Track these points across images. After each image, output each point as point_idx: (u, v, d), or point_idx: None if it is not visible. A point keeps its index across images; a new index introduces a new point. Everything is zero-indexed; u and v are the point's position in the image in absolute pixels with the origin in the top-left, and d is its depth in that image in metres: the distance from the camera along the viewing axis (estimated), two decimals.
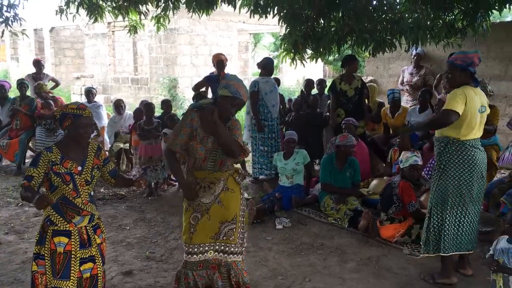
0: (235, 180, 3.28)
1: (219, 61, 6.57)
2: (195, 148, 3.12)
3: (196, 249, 3.17)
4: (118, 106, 7.28)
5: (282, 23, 6.68)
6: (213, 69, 8.07)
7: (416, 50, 7.64)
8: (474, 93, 3.52)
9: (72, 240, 2.84)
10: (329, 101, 7.11)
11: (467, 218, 3.63)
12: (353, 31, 6.23)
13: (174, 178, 6.78)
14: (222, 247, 3.20)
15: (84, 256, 2.88)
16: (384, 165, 6.40)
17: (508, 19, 15.31)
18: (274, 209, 5.37)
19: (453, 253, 3.67)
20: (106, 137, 7.67)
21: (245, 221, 3.36)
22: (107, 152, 7.42)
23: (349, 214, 5.01)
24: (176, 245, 4.60)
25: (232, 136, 3.14)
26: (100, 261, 2.97)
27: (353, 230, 4.88)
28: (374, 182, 5.79)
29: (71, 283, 2.81)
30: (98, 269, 2.94)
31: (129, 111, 7.63)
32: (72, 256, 2.84)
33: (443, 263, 3.73)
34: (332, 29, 6.52)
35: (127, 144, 7.17)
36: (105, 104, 10.85)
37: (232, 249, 3.21)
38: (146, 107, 6.25)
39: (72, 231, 2.85)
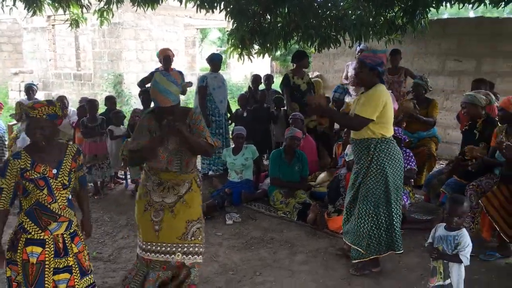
0: (196, 182, 3.24)
1: (166, 56, 6.47)
2: (158, 152, 3.05)
3: (163, 248, 3.09)
4: (61, 102, 7.00)
5: (229, 18, 6.68)
6: (159, 65, 7.95)
7: (360, 46, 7.85)
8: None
9: (47, 249, 2.65)
10: (276, 96, 7.19)
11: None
12: (299, 27, 6.33)
13: (121, 176, 6.65)
14: (191, 249, 3.12)
15: (59, 266, 2.67)
16: (329, 159, 6.56)
17: (445, 16, 16.02)
18: (224, 204, 5.38)
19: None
20: None
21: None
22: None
23: (298, 207, 5.09)
24: (124, 244, 4.52)
25: (202, 140, 3.08)
26: (78, 272, 2.73)
27: (301, 223, 4.96)
28: (322, 175, 5.91)
29: None
30: (76, 281, 2.71)
31: (72, 107, 7.37)
32: (46, 266, 2.64)
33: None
34: (279, 25, 6.60)
35: (70, 142, 6.92)
36: None
37: (198, 249, 3.16)
38: (89, 104, 6.06)
39: (47, 240, 2.66)
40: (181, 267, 3.16)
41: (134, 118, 6.13)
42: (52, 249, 2.67)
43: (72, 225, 2.75)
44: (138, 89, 6.75)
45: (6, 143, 7.42)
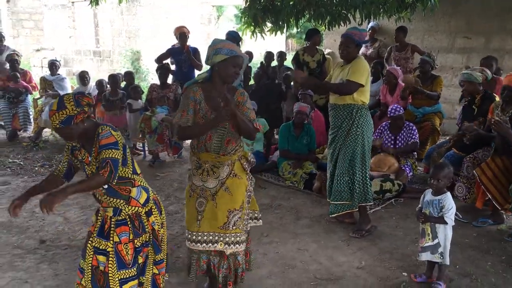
0: (242, 166, 3.07)
1: (182, 33, 6.75)
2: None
3: (204, 237, 2.99)
4: (83, 77, 7.38)
5: None
6: (176, 41, 8.23)
7: (371, 24, 8.01)
8: None
9: (98, 221, 2.70)
10: (286, 73, 7.43)
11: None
12: (310, 5, 6.52)
13: (139, 148, 7.03)
14: (233, 238, 3.00)
15: (99, 246, 2.63)
16: None
17: None
18: None
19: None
20: None
21: (252, 205, 3.24)
22: None
23: (305, 177, 5.42)
24: None
25: (250, 122, 2.92)
26: (115, 262, 2.60)
27: (308, 191, 5.30)
28: None
29: (86, 265, 2.66)
30: (110, 268, 2.59)
31: (92, 82, 7.74)
32: (90, 238, 2.68)
33: (362, 212, 4.23)
34: (290, 3, 6.78)
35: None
36: (67, 77, 10.82)
37: (240, 238, 3.03)
38: (111, 79, 6.43)
39: (100, 212, 2.71)
40: (226, 256, 3.07)
41: (152, 92, 6.48)
42: (99, 225, 2.69)
43: (122, 213, 2.64)
44: (155, 65, 7.06)
45: (32, 116, 7.85)
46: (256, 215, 3.32)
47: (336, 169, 4.18)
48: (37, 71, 14.70)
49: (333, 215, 4.32)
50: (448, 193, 3.26)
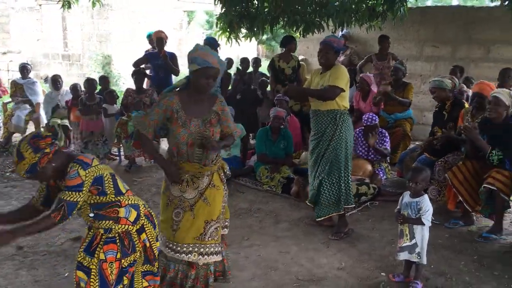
0: (219, 177, 3.10)
1: (159, 38, 6.75)
2: (177, 133, 2.90)
3: (179, 248, 2.97)
4: (56, 81, 7.26)
5: (217, 2, 6.97)
6: (149, 47, 8.22)
7: (342, 32, 8.20)
8: None
9: (89, 236, 2.64)
10: (262, 78, 7.53)
11: None
12: (285, 12, 6.66)
13: (114, 153, 6.97)
14: (207, 249, 2.99)
15: (82, 262, 2.57)
16: None
17: (428, 3, 16.43)
18: None
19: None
20: (42, 113, 7.64)
21: (225, 215, 3.24)
22: (42, 128, 7.48)
23: (282, 181, 5.51)
24: None
25: (231, 137, 3.03)
26: (96, 281, 2.51)
27: (286, 195, 5.39)
28: (305, 153, 6.31)
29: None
30: (91, 287, 2.52)
31: (65, 87, 7.63)
32: (78, 251, 2.64)
33: (341, 215, 4.34)
34: (266, 10, 6.90)
35: (65, 120, 7.22)
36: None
37: (215, 249, 3.03)
38: (88, 83, 6.37)
39: (93, 227, 2.63)
40: (195, 266, 3.05)
41: (127, 97, 6.45)
42: (88, 239, 2.63)
43: (113, 231, 2.59)
44: (127, 70, 7.03)
45: (1, 120, 7.67)
46: (227, 223, 3.35)
47: (321, 174, 4.26)
48: (4, 75, 14.33)
49: (320, 219, 4.37)
50: (426, 196, 3.40)
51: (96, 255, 2.55)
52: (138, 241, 2.66)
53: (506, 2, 5.68)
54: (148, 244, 2.69)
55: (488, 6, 8.12)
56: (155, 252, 2.76)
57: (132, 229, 2.64)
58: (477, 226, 4.54)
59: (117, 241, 2.59)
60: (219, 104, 3.01)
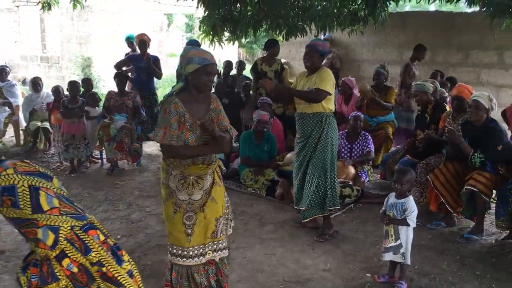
0: (218, 173, 3.09)
1: (142, 41, 6.71)
2: (185, 138, 2.86)
3: (195, 252, 2.95)
4: (36, 83, 7.16)
5: (200, 5, 6.95)
6: (129, 49, 8.17)
7: (324, 36, 8.28)
8: None
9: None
10: (246, 82, 7.54)
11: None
12: (268, 16, 6.69)
13: (96, 156, 6.90)
14: (220, 245, 3.04)
15: (18, 276, 2.46)
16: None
17: (407, 9, 16.67)
18: None
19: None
20: (21, 115, 7.52)
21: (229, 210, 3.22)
22: (21, 131, 7.35)
23: (267, 184, 5.52)
24: (105, 216, 4.82)
25: (228, 137, 3.00)
26: None
27: (270, 198, 5.40)
28: (289, 155, 6.33)
29: None
30: None
31: (46, 89, 7.52)
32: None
33: (326, 217, 4.37)
34: (249, 14, 6.92)
35: (45, 123, 7.12)
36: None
37: (224, 244, 3.07)
38: (71, 85, 6.29)
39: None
40: (213, 263, 3.06)
41: (109, 100, 6.39)
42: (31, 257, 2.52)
43: (37, 254, 2.43)
44: (107, 72, 6.97)
45: None
46: (231, 216, 3.31)
47: (307, 176, 4.29)
48: None
49: (305, 220, 4.41)
50: (411, 197, 3.46)
51: (26, 274, 2.43)
52: (59, 268, 2.41)
53: (484, 8, 5.80)
54: (76, 270, 2.44)
55: (466, 12, 8.29)
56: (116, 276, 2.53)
57: (51, 254, 2.39)
58: (458, 227, 4.62)
59: (38, 265, 2.41)
60: (215, 102, 3.02)
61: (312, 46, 4.15)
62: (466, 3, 6.25)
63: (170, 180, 2.93)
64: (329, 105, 4.19)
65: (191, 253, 2.94)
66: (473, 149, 4.23)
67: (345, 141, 5.93)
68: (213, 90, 7.47)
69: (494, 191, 4.31)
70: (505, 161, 4.19)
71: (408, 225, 3.40)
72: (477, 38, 7.70)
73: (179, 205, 2.92)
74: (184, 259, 2.94)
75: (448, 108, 5.16)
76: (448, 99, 5.99)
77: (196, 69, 2.81)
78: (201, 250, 2.96)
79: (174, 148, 2.84)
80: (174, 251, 2.96)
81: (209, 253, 2.99)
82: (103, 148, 6.37)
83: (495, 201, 4.29)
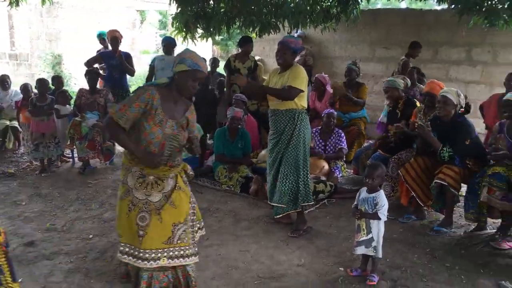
0: (182, 178, 3.05)
1: (113, 37, 6.61)
2: (151, 131, 2.81)
3: (147, 255, 2.87)
4: (3, 81, 6.98)
5: (173, 2, 6.91)
6: (100, 46, 8.04)
7: (297, 33, 8.31)
8: None
9: None
10: (220, 79, 7.52)
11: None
12: (241, 13, 6.69)
13: (67, 155, 6.77)
14: (176, 252, 2.94)
15: None
16: None
17: (378, 6, 16.90)
18: None
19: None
20: None
21: (197, 216, 3.21)
22: None
23: (241, 181, 5.53)
24: (76, 216, 4.74)
25: (196, 139, 3.09)
26: None
27: (244, 194, 5.41)
28: (263, 152, 6.35)
29: None
30: None
31: (14, 87, 7.34)
32: None
33: (300, 213, 4.40)
34: (222, 10, 6.91)
35: (14, 122, 6.96)
36: None
37: (187, 251, 2.98)
38: (39, 83, 6.15)
39: None
40: (173, 269, 3.01)
41: (80, 97, 6.29)
42: None
43: None
44: (78, 70, 6.86)
45: None
46: (199, 225, 3.32)
47: (280, 173, 4.30)
48: None
49: (278, 216, 4.44)
50: (382, 191, 3.51)
51: None
52: None
53: (453, 6, 5.93)
54: None
55: (436, 10, 8.45)
56: None
57: None
58: (429, 220, 4.72)
59: None
60: (191, 112, 3.03)
61: (284, 43, 4.17)
62: (436, 0, 6.38)
63: (128, 178, 2.90)
64: (302, 101, 4.21)
65: (147, 255, 2.86)
66: (442, 144, 4.33)
67: (319, 138, 5.98)
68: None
69: (463, 185, 4.41)
70: (473, 155, 4.31)
71: (379, 219, 3.45)
72: (446, 35, 7.86)
73: (135, 204, 2.87)
74: (137, 259, 2.88)
75: (418, 104, 5.25)
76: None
77: (185, 70, 2.84)
78: (153, 255, 2.87)
79: (114, 126, 2.81)
80: (127, 249, 2.91)
81: (163, 259, 2.89)
82: (74, 146, 6.26)
83: (464, 195, 4.40)
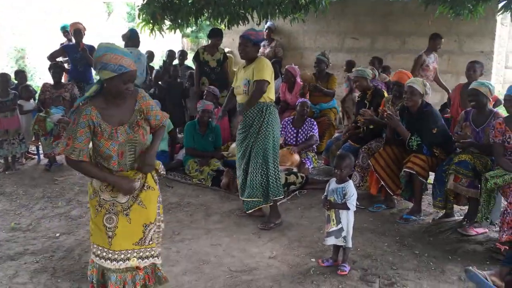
0: (153, 177, 2.91)
1: (76, 30, 6.43)
2: (105, 147, 2.64)
3: (116, 256, 2.75)
4: None
5: None
6: (64, 39, 7.84)
7: (267, 24, 8.28)
8: None
9: None
10: (190, 71, 7.43)
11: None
12: (209, 4, 6.59)
13: (32, 151, 6.59)
14: (148, 253, 2.85)
15: None
16: None
17: None
18: None
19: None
20: None
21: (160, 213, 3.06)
22: None
23: (212, 174, 5.48)
24: (42, 214, 4.63)
25: (163, 128, 2.90)
26: None
27: (216, 188, 5.36)
28: (233, 145, 6.31)
29: None
30: None
31: None
32: None
33: (273, 206, 4.39)
34: (189, 1, 6.80)
35: None
36: None
37: (154, 252, 2.89)
38: (1, 78, 5.93)
39: None
40: (142, 268, 2.87)
41: (45, 92, 6.11)
42: None
43: None
44: (42, 64, 6.66)
45: None
46: (162, 217, 3.15)
47: (250, 167, 4.27)
48: None
49: (249, 211, 4.41)
50: (350, 181, 3.52)
51: None
52: None
53: None
54: None
55: (403, 0, 8.53)
56: None
57: None
58: (398, 208, 4.78)
59: None
60: (142, 100, 2.75)
61: (244, 36, 4.14)
62: None
63: (94, 179, 2.76)
64: (270, 94, 4.18)
65: (116, 256, 2.75)
66: (410, 133, 4.38)
67: (291, 126, 5.98)
68: (153, 79, 7.35)
69: (431, 173, 4.48)
70: (440, 143, 4.37)
71: (348, 209, 3.47)
72: (413, 25, 7.95)
73: (102, 205, 2.74)
74: (106, 260, 2.76)
75: (385, 94, 5.30)
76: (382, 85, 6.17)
77: (112, 77, 2.54)
78: (122, 256, 2.76)
79: (76, 163, 2.60)
80: (99, 252, 2.78)
81: (133, 259, 2.78)
82: (40, 143, 6.09)
83: (432, 183, 4.46)
